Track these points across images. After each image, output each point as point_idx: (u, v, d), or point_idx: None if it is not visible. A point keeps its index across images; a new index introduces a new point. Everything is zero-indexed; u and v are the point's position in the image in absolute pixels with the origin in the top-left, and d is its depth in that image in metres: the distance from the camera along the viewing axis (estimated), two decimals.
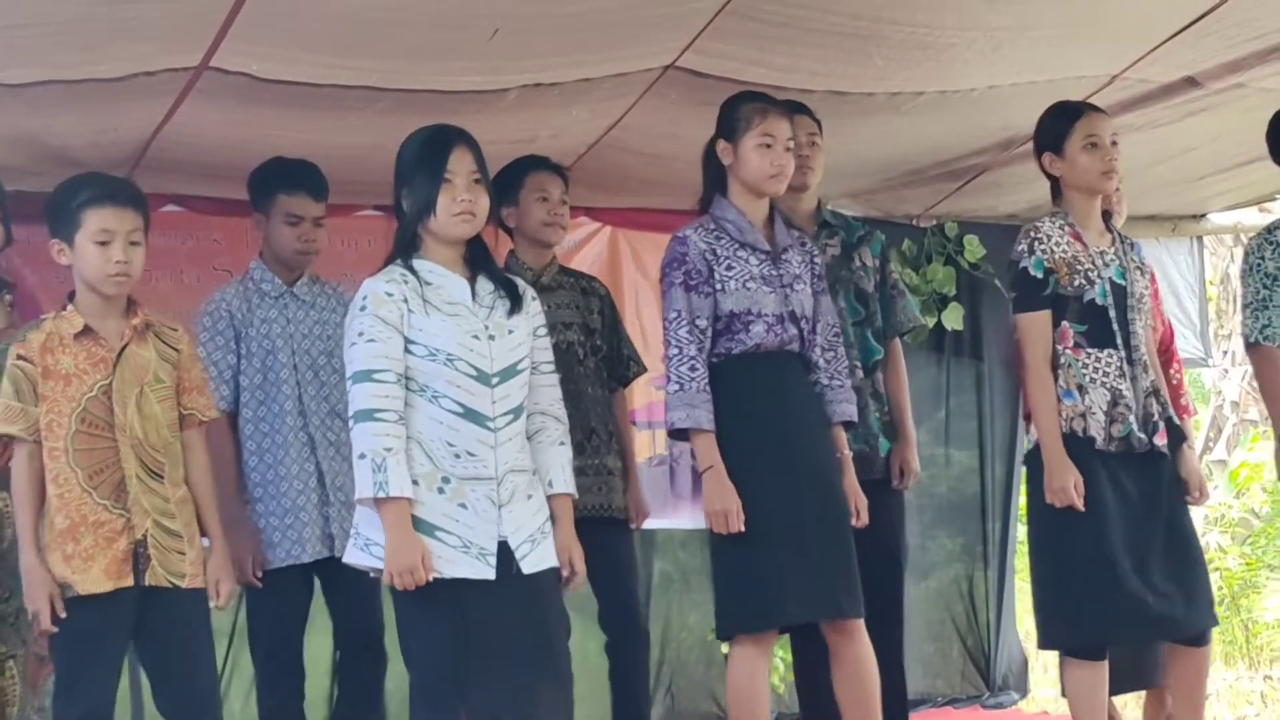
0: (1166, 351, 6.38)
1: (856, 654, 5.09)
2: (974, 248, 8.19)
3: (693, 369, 5.03)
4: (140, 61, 5.28)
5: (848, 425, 5.30)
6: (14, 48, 5.06)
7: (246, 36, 5.12)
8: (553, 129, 6.24)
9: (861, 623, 5.10)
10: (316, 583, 5.57)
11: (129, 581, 4.69)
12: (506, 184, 5.65)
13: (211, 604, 4.87)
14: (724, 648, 7.60)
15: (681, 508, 6.88)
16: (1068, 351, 5.35)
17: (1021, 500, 8.87)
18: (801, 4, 5.52)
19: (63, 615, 4.63)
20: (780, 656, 7.81)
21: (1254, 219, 8.73)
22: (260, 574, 5.40)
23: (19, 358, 4.72)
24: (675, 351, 5.06)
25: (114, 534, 4.68)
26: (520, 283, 4.74)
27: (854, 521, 5.16)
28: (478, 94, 5.82)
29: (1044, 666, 9.02)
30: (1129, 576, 5.21)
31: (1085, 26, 5.88)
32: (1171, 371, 6.35)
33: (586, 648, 5.95)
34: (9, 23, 4.89)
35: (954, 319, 8.16)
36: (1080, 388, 5.31)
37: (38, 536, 4.68)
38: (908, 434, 5.94)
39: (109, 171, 5.62)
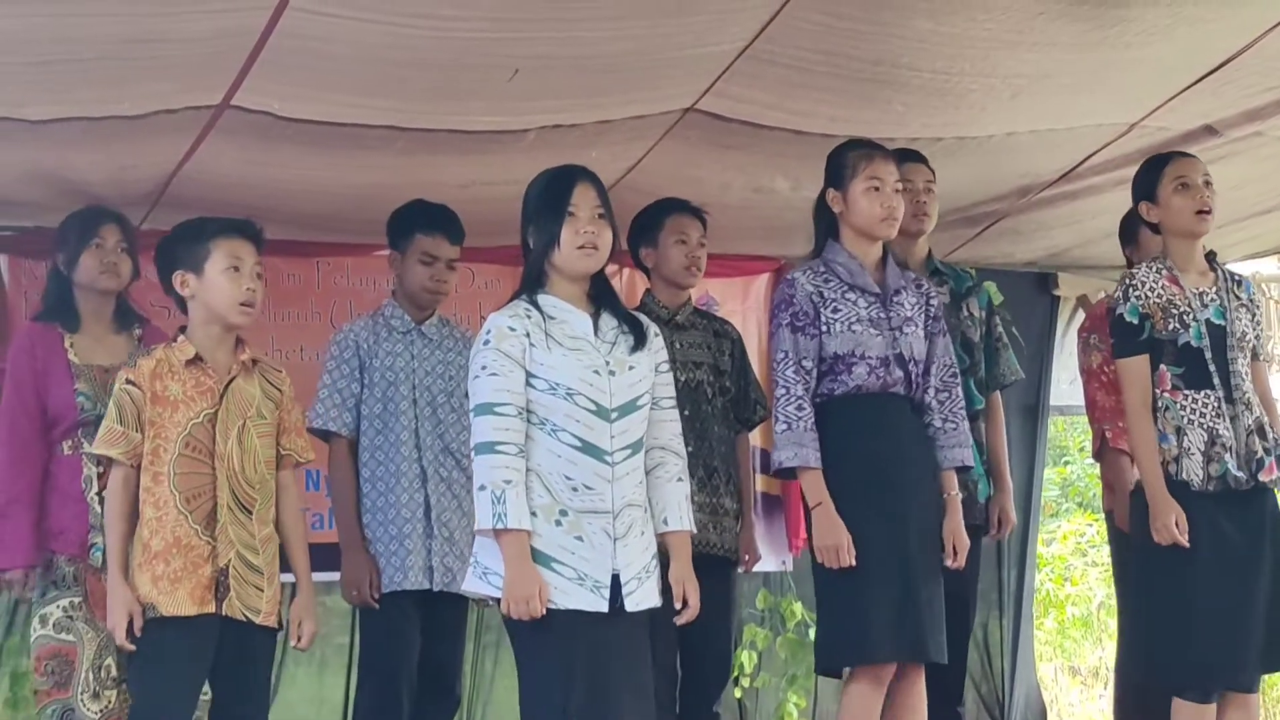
0: None
1: (913, 702, 5.15)
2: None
3: (800, 408, 5.09)
4: (162, 99, 5.31)
5: (961, 470, 5.33)
6: (37, 84, 5.10)
7: (268, 75, 5.15)
8: None
9: (922, 669, 5.15)
10: None
11: (211, 608, 4.79)
12: (646, 225, 5.84)
13: (293, 644, 5.01)
14: (737, 693, 7.61)
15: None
16: (1165, 395, 5.42)
17: (1040, 548, 8.91)
18: (821, 49, 5.54)
19: (138, 634, 4.73)
20: (794, 703, 7.80)
21: (1272, 268, 8.74)
22: (378, 595, 5.48)
23: (127, 382, 4.85)
24: (782, 391, 5.13)
25: (200, 560, 4.79)
26: (644, 319, 4.79)
27: (949, 562, 5.20)
28: (497, 134, 5.85)
29: (1059, 715, 8.99)
30: (1220, 623, 5.28)
31: (1104, 74, 5.89)
32: None
33: None
34: (32, 59, 4.92)
35: None
36: (1178, 430, 5.37)
37: (126, 557, 4.77)
38: (1005, 484, 6.04)
39: (129, 208, 5.68)
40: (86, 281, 5.50)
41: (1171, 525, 5.29)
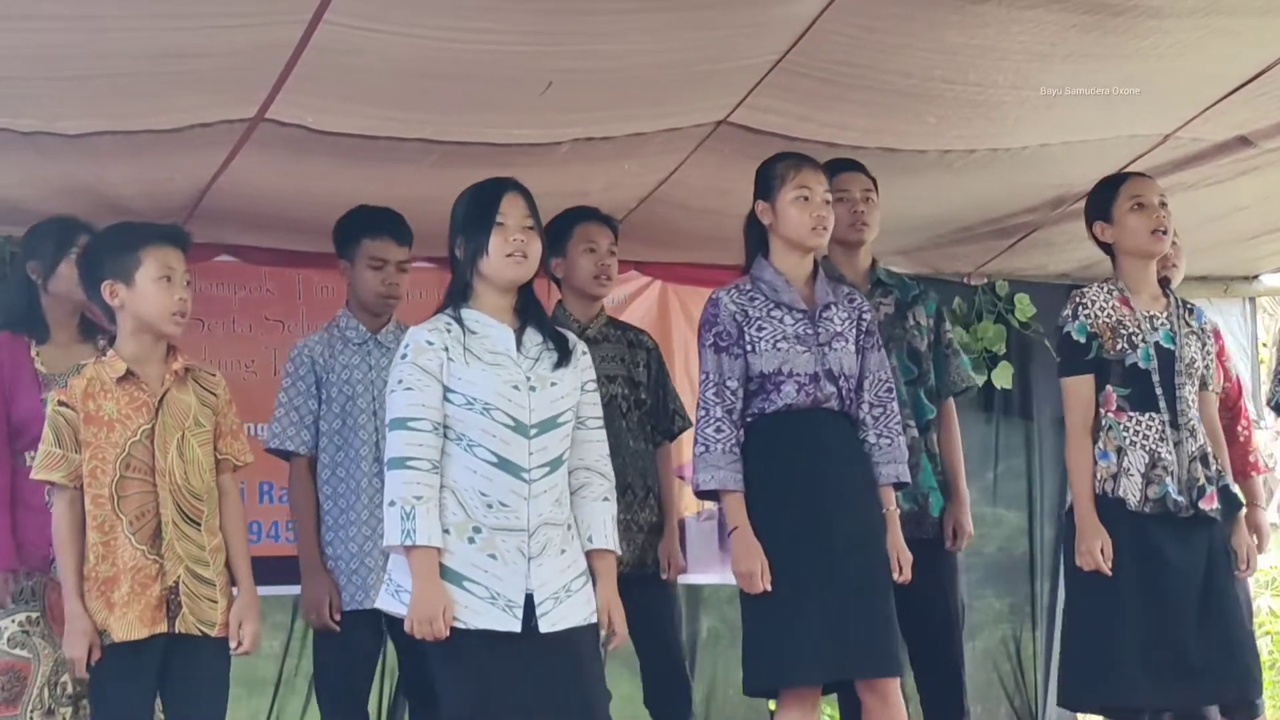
0: (1234, 408, 6.34)
1: (889, 715, 5.01)
2: (1024, 306, 8.16)
3: (718, 430, 5.00)
4: (197, 113, 5.33)
5: (897, 485, 5.23)
6: (72, 98, 5.12)
7: (302, 89, 5.17)
8: (604, 183, 6.27)
9: (895, 683, 5.03)
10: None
11: (163, 628, 4.67)
12: (555, 235, 5.64)
13: (232, 646, 4.81)
14: (770, 704, 7.60)
15: (729, 564, 6.81)
16: (1109, 415, 5.35)
17: None
18: (853, 62, 5.54)
19: (94, 662, 4.64)
20: (829, 715, 7.78)
21: None
22: (338, 617, 5.41)
23: (60, 403, 4.71)
24: (702, 413, 5.04)
25: (148, 580, 4.67)
26: (571, 336, 4.74)
27: (896, 576, 5.10)
28: (531, 147, 5.85)
29: None
30: (1138, 642, 5.22)
31: (1138, 86, 5.87)
32: (1239, 429, 6.31)
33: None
34: (68, 74, 4.94)
35: (1004, 378, 8.13)
36: (1119, 450, 5.31)
37: (81, 581, 4.67)
38: (960, 494, 5.90)
39: (164, 221, 5.67)
40: (63, 291, 5.38)
41: (1096, 551, 5.23)
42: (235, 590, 4.86)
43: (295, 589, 5.65)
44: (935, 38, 5.41)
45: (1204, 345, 5.50)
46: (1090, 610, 5.32)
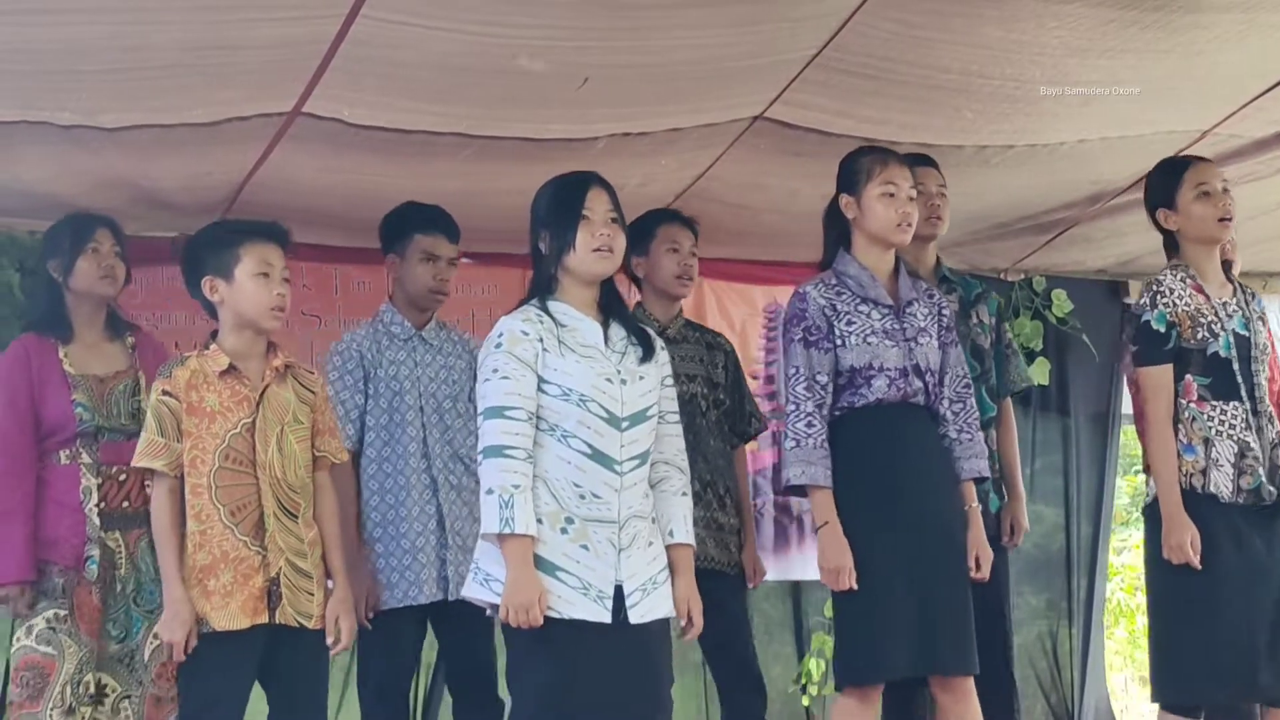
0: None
1: (962, 713, 5.04)
2: (1062, 302, 8.14)
3: (809, 425, 5.00)
4: (234, 107, 5.34)
5: (978, 480, 5.24)
6: (112, 92, 5.14)
7: (339, 83, 5.18)
8: (641, 178, 6.27)
9: (971, 681, 5.05)
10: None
11: (264, 618, 4.76)
12: (638, 235, 5.70)
13: (329, 642, 4.91)
14: (805, 700, 7.60)
15: (765, 560, 6.83)
16: (1191, 405, 5.32)
17: (1111, 557, 8.84)
18: (890, 57, 5.53)
19: (191, 649, 4.71)
20: None
21: None
22: (372, 615, 5.41)
23: (164, 393, 4.81)
24: (793, 408, 5.04)
25: (251, 571, 4.76)
26: (651, 332, 4.76)
27: (973, 574, 5.12)
28: (567, 142, 5.85)
29: None
30: (1238, 637, 5.19)
31: (1176, 82, 5.85)
32: None
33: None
34: (106, 67, 4.96)
35: (1041, 374, 8.11)
36: (1206, 441, 5.29)
37: (182, 569, 4.74)
38: (1018, 492, 5.96)
39: (202, 215, 5.71)
40: (84, 287, 5.41)
41: (1186, 545, 5.20)
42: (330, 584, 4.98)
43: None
44: (972, 32, 5.40)
45: (1266, 332, 5.49)
46: (1187, 606, 5.27)
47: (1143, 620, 11.82)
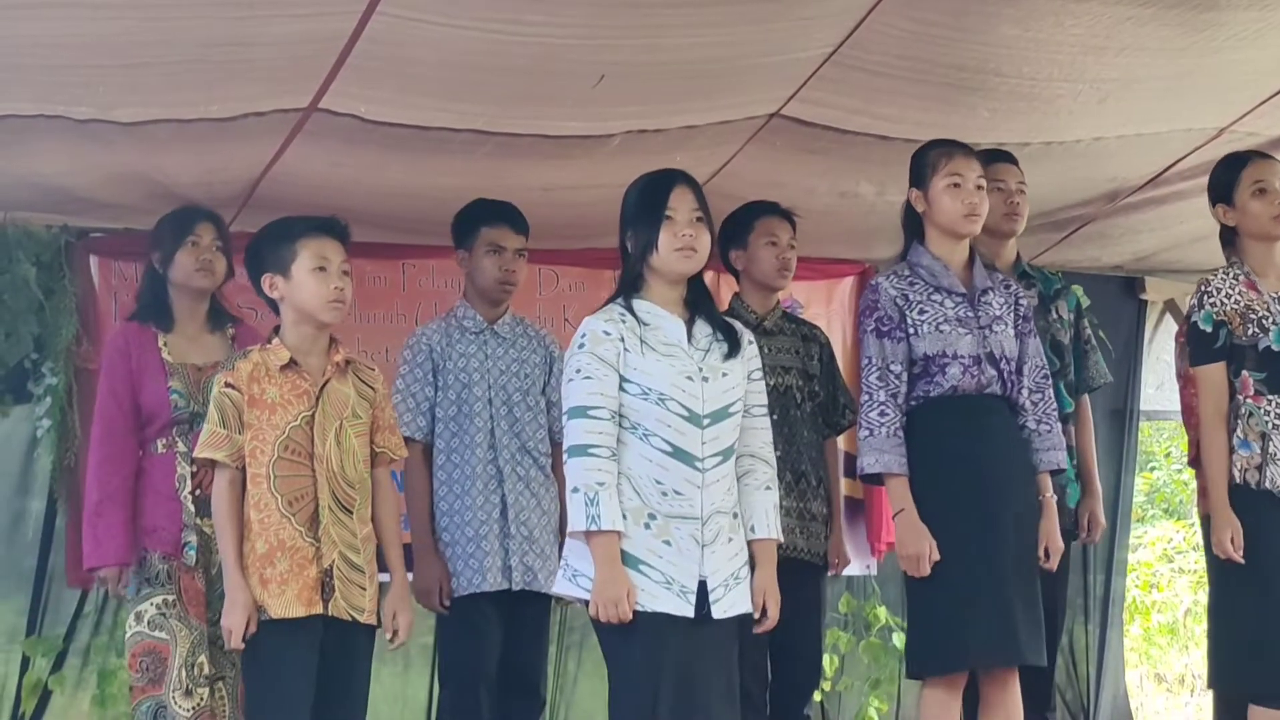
0: None
1: (1007, 703, 5.08)
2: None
3: (882, 414, 5.05)
4: (251, 102, 5.35)
5: (1055, 471, 5.28)
6: (128, 86, 5.15)
7: (355, 79, 5.19)
8: None
9: (1016, 672, 5.09)
10: None
11: (319, 609, 4.82)
12: (736, 228, 5.81)
13: (388, 637, 5.00)
14: (817, 696, 7.59)
15: None
16: (1249, 401, 5.37)
17: (1126, 555, 8.85)
18: (907, 55, 5.53)
19: (252, 634, 4.79)
20: (875, 707, 7.78)
21: None
22: (448, 603, 5.50)
23: (226, 385, 4.88)
24: (866, 398, 5.09)
25: (305, 561, 4.82)
26: (738, 326, 4.79)
27: (1042, 564, 5.15)
28: (582, 139, 5.87)
29: None
30: None
31: (1193, 79, 5.85)
32: None
33: None
34: (124, 62, 4.97)
35: None
36: (1263, 436, 5.33)
37: (242, 558, 4.82)
38: (1094, 488, 6.00)
39: (219, 210, 5.72)
40: (182, 280, 5.51)
41: (1226, 541, 5.28)
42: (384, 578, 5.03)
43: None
44: (989, 30, 5.41)
45: None
46: (1243, 599, 5.36)
47: (1160, 617, 11.89)
